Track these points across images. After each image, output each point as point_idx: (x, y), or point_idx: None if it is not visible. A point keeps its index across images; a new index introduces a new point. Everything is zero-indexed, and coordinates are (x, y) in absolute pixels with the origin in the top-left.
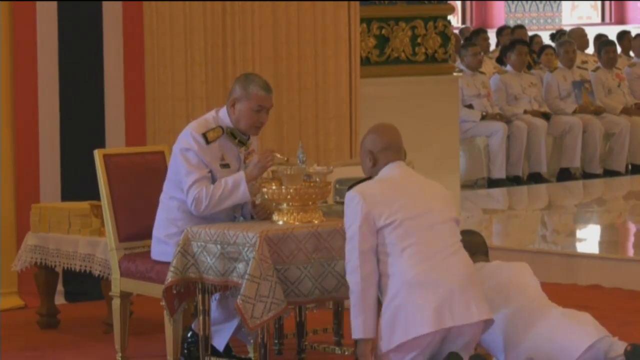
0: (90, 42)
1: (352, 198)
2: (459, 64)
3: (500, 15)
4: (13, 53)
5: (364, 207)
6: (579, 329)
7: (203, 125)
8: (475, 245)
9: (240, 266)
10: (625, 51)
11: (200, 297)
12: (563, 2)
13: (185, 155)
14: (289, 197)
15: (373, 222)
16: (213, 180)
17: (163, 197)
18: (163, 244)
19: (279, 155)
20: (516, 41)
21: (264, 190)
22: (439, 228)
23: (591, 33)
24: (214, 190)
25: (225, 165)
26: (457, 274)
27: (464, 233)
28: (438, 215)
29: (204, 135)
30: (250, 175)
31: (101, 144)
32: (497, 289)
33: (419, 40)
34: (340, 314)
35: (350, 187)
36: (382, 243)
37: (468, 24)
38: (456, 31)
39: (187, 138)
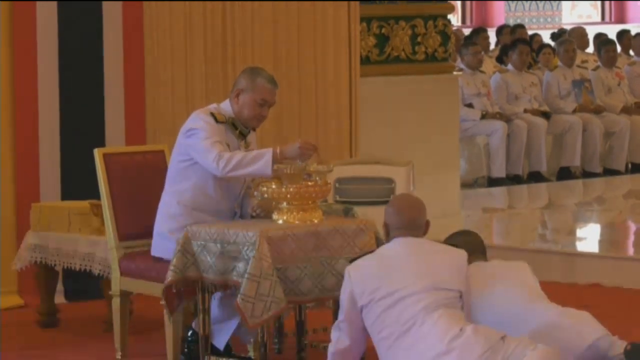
0: (90, 42)
1: (346, 273)
2: (459, 62)
3: (500, 14)
4: (13, 53)
5: (349, 286)
6: (579, 328)
7: (207, 110)
8: (472, 245)
9: (240, 265)
10: (625, 50)
11: (200, 296)
12: (563, 2)
13: (197, 133)
14: (288, 196)
15: (355, 301)
16: None
17: (164, 193)
18: (164, 239)
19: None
20: (518, 40)
21: (264, 189)
22: (409, 302)
23: (591, 32)
24: (237, 152)
25: None
26: (431, 344)
27: (461, 233)
28: (414, 286)
29: (212, 115)
30: (283, 153)
31: (101, 143)
32: (495, 289)
33: (419, 39)
34: None
35: (352, 260)
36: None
37: (468, 22)
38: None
39: (196, 120)
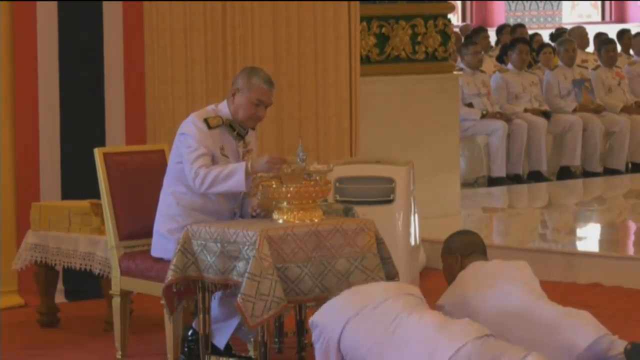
0: (90, 41)
1: (311, 325)
2: (459, 62)
3: (501, 13)
4: (13, 53)
5: (319, 333)
6: (579, 328)
7: (203, 113)
8: (472, 245)
9: (240, 265)
10: (625, 49)
11: (200, 295)
12: (563, 1)
13: (186, 139)
14: (289, 195)
15: (331, 343)
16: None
17: (163, 193)
18: (164, 239)
19: (285, 169)
20: (517, 40)
21: (264, 189)
22: (387, 305)
23: (591, 31)
24: (213, 169)
25: (225, 156)
26: (422, 335)
27: (461, 233)
28: (384, 295)
29: (206, 120)
30: (254, 167)
31: (101, 143)
32: (496, 288)
33: (419, 38)
34: None
35: None
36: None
37: (468, 22)
38: (456, 29)
39: (188, 124)
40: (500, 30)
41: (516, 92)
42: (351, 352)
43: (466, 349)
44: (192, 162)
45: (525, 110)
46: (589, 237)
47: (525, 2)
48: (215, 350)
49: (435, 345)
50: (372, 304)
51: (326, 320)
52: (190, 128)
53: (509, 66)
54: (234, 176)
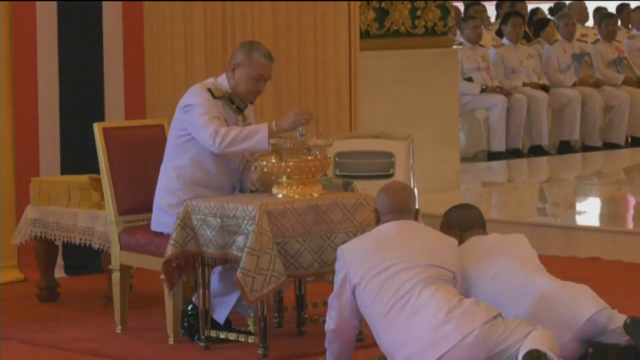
0: (90, 14)
1: (338, 252)
2: (458, 36)
3: None
4: (12, 30)
5: (343, 266)
6: (578, 302)
7: (204, 86)
8: (471, 219)
9: (240, 239)
10: (625, 24)
11: (200, 270)
12: None
13: (193, 108)
14: (288, 170)
15: (349, 280)
16: None
17: (163, 168)
18: (164, 214)
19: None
20: (510, 14)
21: (263, 163)
22: (409, 275)
23: (591, 6)
24: (234, 128)
25: None
26: (431, 314)
27: (460, 207)
28: (410, 262)
29: (209, 90)
30: (279, 126)
31: (100, 118)
32: (494, 262)
33: (418, 13)
34: None
35: None
36: (358, 303)
37: None
38: (460, 3)
39: (193, 96)
40: (500, 4)
41: (513, 66)
42: (366, 307)
43: (472, 336)
44: (208, 123)
45: (524, 85)
46: (588, 211)
47: None
48: (215, 325)
49: (441, 330)
50: (399, 265)
51: (351, 260)
52: (196, 98)
53: (504, 40)
54: (257, 135)
